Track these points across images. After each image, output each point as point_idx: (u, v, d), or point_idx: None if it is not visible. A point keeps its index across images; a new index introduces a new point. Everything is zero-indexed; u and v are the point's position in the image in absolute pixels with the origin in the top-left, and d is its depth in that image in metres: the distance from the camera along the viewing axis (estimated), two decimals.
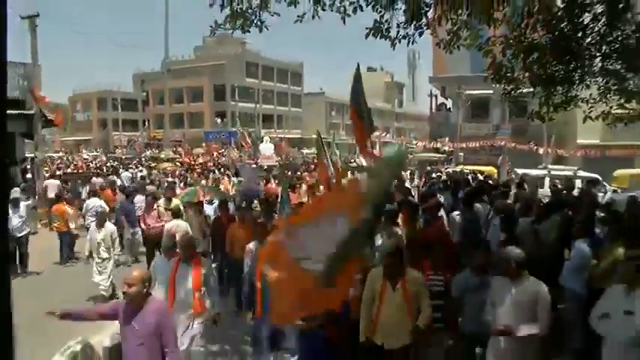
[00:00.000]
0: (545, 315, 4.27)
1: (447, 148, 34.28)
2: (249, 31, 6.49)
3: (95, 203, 12.32)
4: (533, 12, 6.89)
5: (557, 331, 5.96)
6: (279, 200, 9.83)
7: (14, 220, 10.44)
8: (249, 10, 6.38)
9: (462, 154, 30.90)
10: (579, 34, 7.38)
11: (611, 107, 8.52)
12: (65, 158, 39.96)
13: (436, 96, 40.21)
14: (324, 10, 6.51)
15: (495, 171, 23.34)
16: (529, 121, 9.85)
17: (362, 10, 6.46)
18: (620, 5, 6.86)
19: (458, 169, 23.38)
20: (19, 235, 10.61)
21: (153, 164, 30.45)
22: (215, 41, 73.04)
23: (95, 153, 52.34)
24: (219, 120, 66.75)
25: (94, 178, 18.91)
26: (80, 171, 27.34)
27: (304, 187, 13.53)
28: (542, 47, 7.64)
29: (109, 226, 9.39)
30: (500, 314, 4.40)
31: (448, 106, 38.66)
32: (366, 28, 6.80)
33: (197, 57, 75.54)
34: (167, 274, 5.57)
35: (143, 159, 38.75)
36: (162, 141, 52.31)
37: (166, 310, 4.35)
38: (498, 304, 4.44)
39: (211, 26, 6.55)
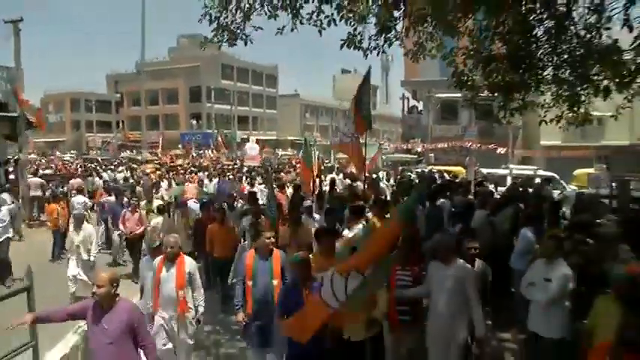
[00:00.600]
0: (474, 291, 4.87)
1: (419, 149, 35.21)
2: (235, 44, 7.05)
3: (80, 200, 13.10)
4: (492, 26, 7.69)
5: (509, 310, 6.76)
6: (265, 202, 10.20)
7: None
8: (234, 24, 6.96)
9: (432, 154, 31.81)
10: (533, 46, 8.03)
11: (562, 112, 9.28)
12: (44, 160, 39.31)
13: (408, 99, 41.15)
14: (302, 23, 7.11)
15: (464, 171, 24.18)
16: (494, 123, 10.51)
17: (336, 25, 7.03)
18: (567, 21, 7.65)
19: (427, 169, 24.20)
20: None
21: (134, 165, 30.48)
22: (189, 42, 72.69)
23: (70, 155, 51.64)
24: (194, 122, 66.45)
25: (73, 179, 19.17)
26: (60, 172, 27.32)
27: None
28: (499, 58, 8.29)
29: (87, 229, 9.28)
30: (435, 292, 5.02)
31: (419, 109, 39.65)
32: (341, 40, 7.35)
33: (171, 58, 74.97)
34: (152, 273, 5.70)
35: (122, 160, 38.48)
36: (139, 143, 51.97)
37: (136, 309, 4.43)
38: (433, 284, 5.05)
39: (201, 41, 7.14)
